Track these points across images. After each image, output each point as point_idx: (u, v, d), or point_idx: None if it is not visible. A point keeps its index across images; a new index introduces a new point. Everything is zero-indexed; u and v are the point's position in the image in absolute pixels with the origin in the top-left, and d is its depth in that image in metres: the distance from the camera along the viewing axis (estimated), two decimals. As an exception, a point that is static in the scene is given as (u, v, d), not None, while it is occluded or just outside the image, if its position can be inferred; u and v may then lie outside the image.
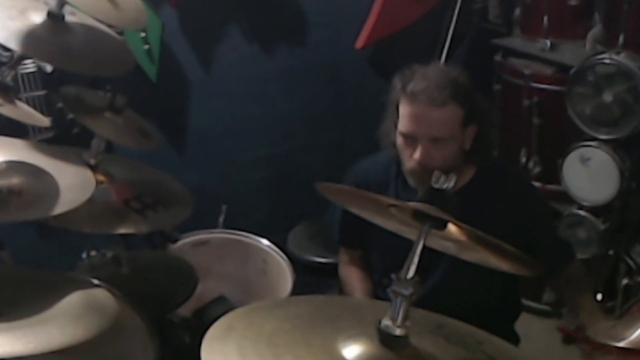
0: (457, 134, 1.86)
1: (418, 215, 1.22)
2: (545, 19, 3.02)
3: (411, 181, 1.93)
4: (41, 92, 2.53)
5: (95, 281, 1.64)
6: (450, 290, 1.91)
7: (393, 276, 1.18)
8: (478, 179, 1.98)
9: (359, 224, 1.93)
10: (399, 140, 1.90)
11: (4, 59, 2.27)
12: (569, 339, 2.99)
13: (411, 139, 1.86)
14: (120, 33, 2.34)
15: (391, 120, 1.96)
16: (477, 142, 1.92)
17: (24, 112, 2.05)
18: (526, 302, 3.13)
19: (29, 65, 2.49)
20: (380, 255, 2.09)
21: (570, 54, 2.99)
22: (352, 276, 2.18)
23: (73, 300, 1.52)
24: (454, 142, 1.86)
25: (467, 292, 1.96)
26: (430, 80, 1.84)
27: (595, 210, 2.85)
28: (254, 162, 3.27)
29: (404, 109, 1.87)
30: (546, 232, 2.07)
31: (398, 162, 1.98)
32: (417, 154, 1.84)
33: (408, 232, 1.30)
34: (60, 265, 2.23)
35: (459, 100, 1.84)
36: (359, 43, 3.18)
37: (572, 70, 2.79)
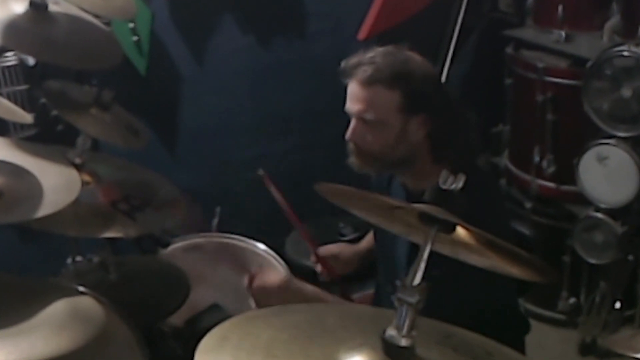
0: (391, 120, 1.86)
1: (424, 218, 1.22)
2: (560, 8, 3.02)
3: (352, 164, 1.97)
4: (23, 87, 2.54)
5: (81, 288, 1.64)
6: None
7: (398, 283, 1.18)
8: None
9: None
10: None
11: (-17, 52, 2.28)
12: (585, 349, 3.00)
13: (350, 117, 1.92)
14: (108, 24, 2.34)
15: None
16: (434, 137, 1.90)
17: (4, 108, 2.06)
18: (540, 310, 3.15)
19: (10, 58, 2.50)
20: (382, 258, 2.10)
21: (586, 46, 2.99)
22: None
23: (57, 308, 1.52)
24: (388, 128, 1.87)
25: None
26: (365, 58, 1.88)
27: (613, 212, 2.84)
28: (250, 161, 3.26)
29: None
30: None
31: None
32: (348, 131, 1.91)
33: (415, 236, 1.30)
34: (43, 271, 2.22)
35: (390, 83, 1.84)
36: (362, 34, 3.18)
37: (589, 64, 2.79)
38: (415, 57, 1.92)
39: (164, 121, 3.07)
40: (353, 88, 1.89)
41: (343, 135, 1.97)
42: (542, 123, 3.04)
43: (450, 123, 1.91)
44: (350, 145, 1.95)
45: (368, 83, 1.85)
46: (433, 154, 1.91)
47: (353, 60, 1.89)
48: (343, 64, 1.92)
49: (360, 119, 1.89)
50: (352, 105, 1.91)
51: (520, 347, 2.09)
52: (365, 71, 1.85)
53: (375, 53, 1.89)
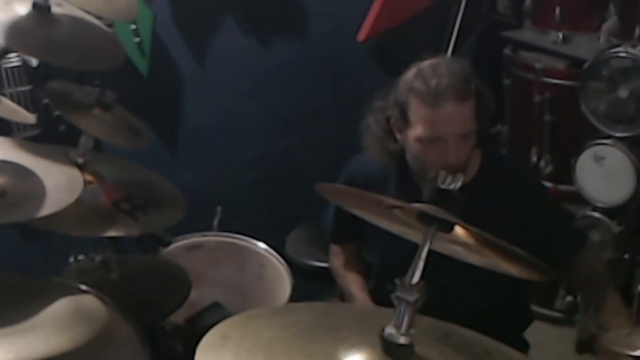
0: (475, 124, 1.87)
1: (423, 217, 1.22)
2: (558, 10, 3.02)
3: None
4: (26, 88, 2.53)
5: (83, 287, 1.64)
6: (454, 295, 1.90)
7: (397, 281, 1.18)
8: (485, 169, 1.98)
9: (355, 223, 1.95)
10: (416, 147, 1.87)
11: (-13, 53, 2.28)
12: (582, 347, 3.00)
13: (436, 142, 1.84)
14: (110, 25, 2.34)
15: (381, 128, 1.95)
16: (478, 121, 1.91)
17: (8, 108, 2.06)
18: (538, 309, 3.14)
19: (14, 59, 2.49)
20: (380, 258, 2.10)
21: (583, 47, 2.99)
22: (349, 270, 2.20)
23: (59, 307, 1.51)
24: (475, 133, 1.87)
25: (471, 296, 1.96)
26: (449, 76, 1.82)
27: (610, 212, 2.85)
28: (251, 161, 3.27)
29: (424, 112, 1.83)
30: (556, 220, 2.08)
31: (400, 162, 1.98)
32: (449, 157, 1.82)
33: (413, 235, 1.30)
34: (45, 270, 2.23)
35: (472, 91, 1.85)
36: (361, 35, 3.18)
37: (586, 65, 2.79)
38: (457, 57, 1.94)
39: (165, 121, 3.07)
40: (452, 109, 1.81)
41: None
42: (539, 123, 3.04)
43: (487, 103, 1.91)
44: (445, 169, 1.81)
45: (464, 98, 1.82)
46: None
47: (442, 82, 1.81)
48: (424, 88, 1.82)
49: (462, 136, 1.83)
50: (456, 126, 1.82)
51: (521, 339, 2.10)
52: (458, 88, 1.81)
53: (447, 67, 1.85)
